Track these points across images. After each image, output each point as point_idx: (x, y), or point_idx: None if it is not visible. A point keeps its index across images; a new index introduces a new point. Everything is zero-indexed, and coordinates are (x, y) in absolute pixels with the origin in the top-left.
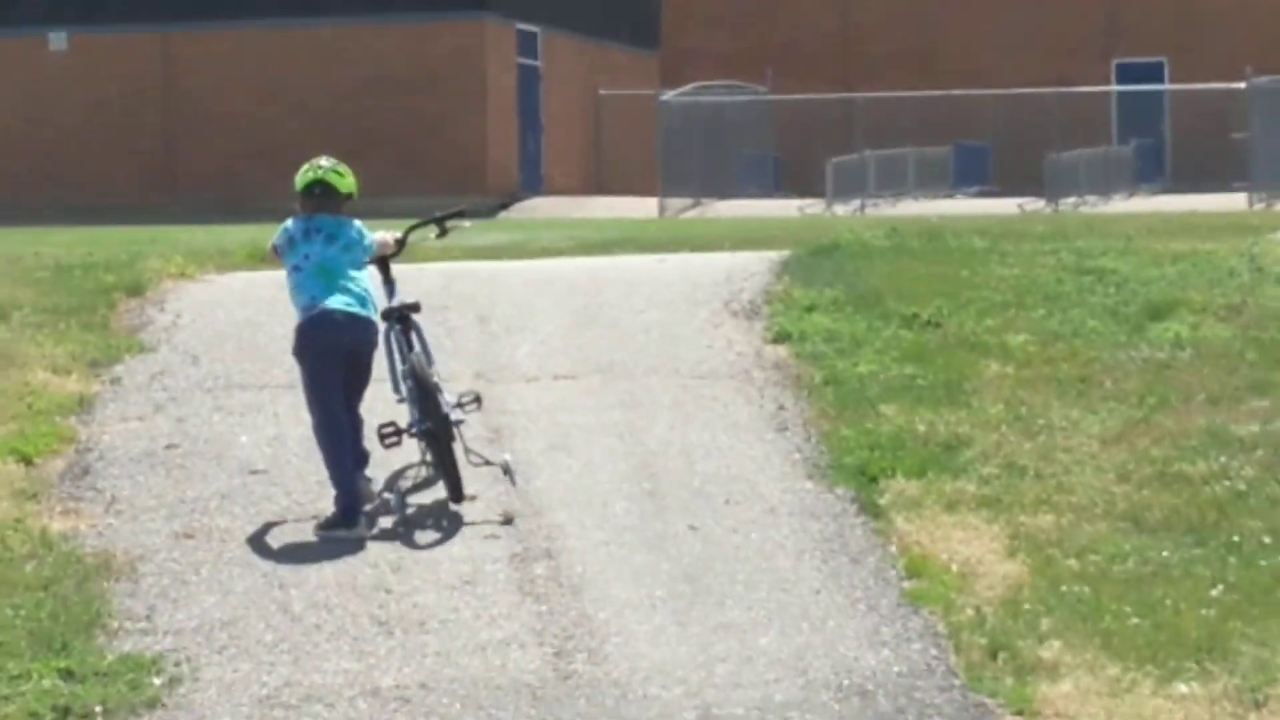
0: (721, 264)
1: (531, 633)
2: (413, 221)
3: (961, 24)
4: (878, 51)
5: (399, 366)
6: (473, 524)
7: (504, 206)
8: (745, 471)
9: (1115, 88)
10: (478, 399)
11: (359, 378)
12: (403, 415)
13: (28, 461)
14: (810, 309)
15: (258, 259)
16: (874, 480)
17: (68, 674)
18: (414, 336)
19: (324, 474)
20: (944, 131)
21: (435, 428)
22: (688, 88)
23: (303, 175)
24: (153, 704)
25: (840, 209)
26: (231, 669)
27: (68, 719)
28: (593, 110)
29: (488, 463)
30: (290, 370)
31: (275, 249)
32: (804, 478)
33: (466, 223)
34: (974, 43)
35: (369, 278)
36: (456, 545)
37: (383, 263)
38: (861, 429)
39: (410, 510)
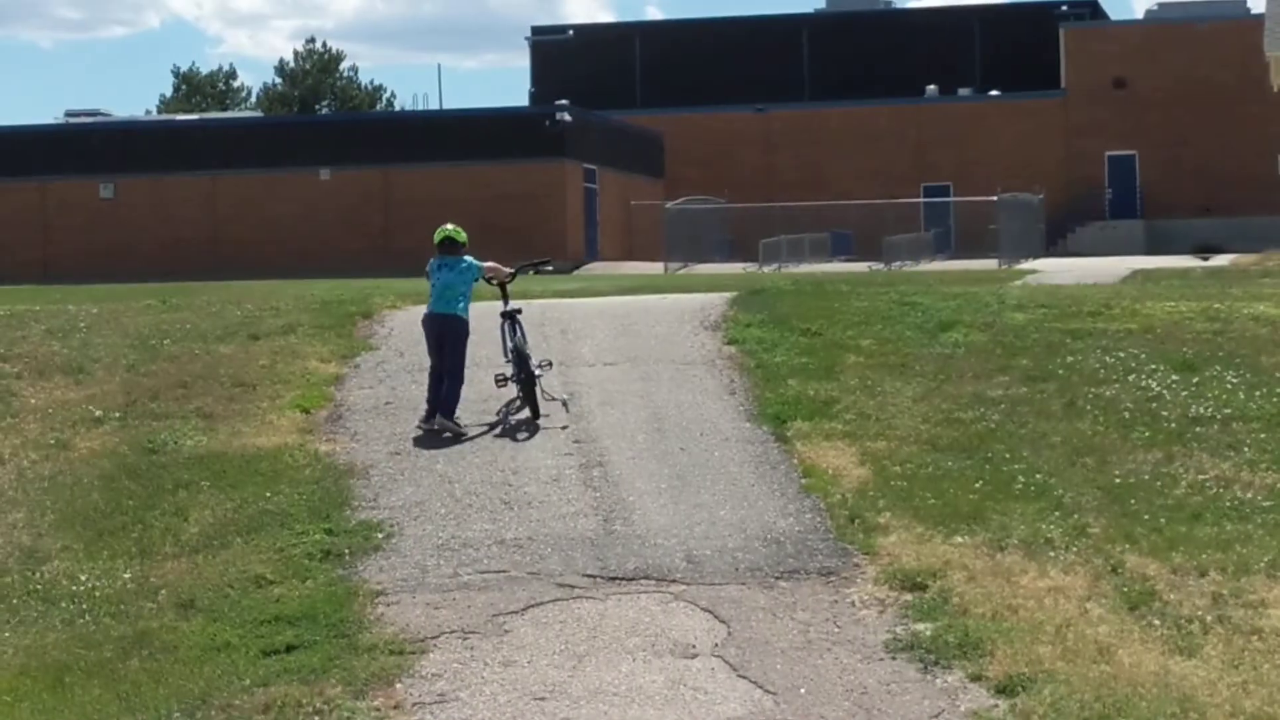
0: (698, 300)
1: (591, 508)
2: (521, 263)
3: (836, 163)
4: (788, 180)
5: (507, 344)
6: (545, 429)
7: (576, 267)
8: (711, 416)
9: (923, 199)
10: (550, 364)
11: (453, 351)
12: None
13: (306, 411)
14: (748, 325)
15: None
16: (784, 422)
17: (330, 532)
18: (517, 328)
19: (473, 419)
20: (825, 223)
21: (526, 378)
22: (680, 200)
23: (438, 233)
24: (377, 549)
25: (767, 269)
26: (421, 529)
27: (329, 557)
28: (627, 212)
29: (553, 398)
30: None
31: (427, 274)
32: (745, 420)
33: (549, 267)
34: (843, 174)
35: (470, 293)
36: (547, 458)
37: (502, 287)
38: (777, 393)
39: (511, 422)
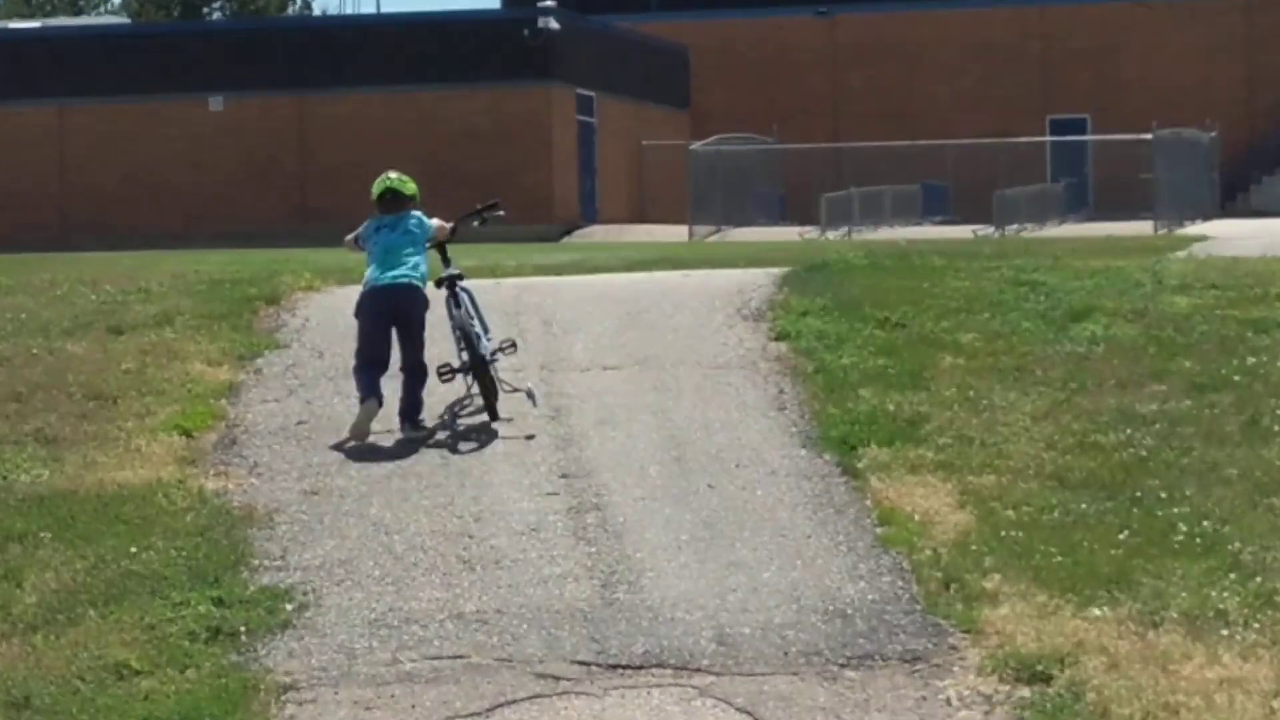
0: (735, 278)
1: (584, 569)
2: (462, 214)
3: (927, 88)
4: (861, 110)
5: (450, 321)
6: (505, 438)
7: (567, 233)
8: (752, 441)
9: (1049, 138)
10: (514, 344)
11: (408, 331)
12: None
13: (188, 434)
14: (804, 314)
15: None
16: (854, 448)
17: (219, 601)
18: (462, 298)
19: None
20: (913, 173)
21: (475, 365)
22: (711, 139)
23: (377, 184)
24: (285, 625)
25: (832, 234)
26: (347, 598)
27: (219, 637)
28: (637, 157)
29: (515, 390)
30: (395, 360)
31: (357, 240)
32: (799, 446)
33: (500, 212)
34: (937, 103)
35: (425, 257)
36: (522, 499)
37: (440, 247)
38: (844, 408)
39: (459, 428)
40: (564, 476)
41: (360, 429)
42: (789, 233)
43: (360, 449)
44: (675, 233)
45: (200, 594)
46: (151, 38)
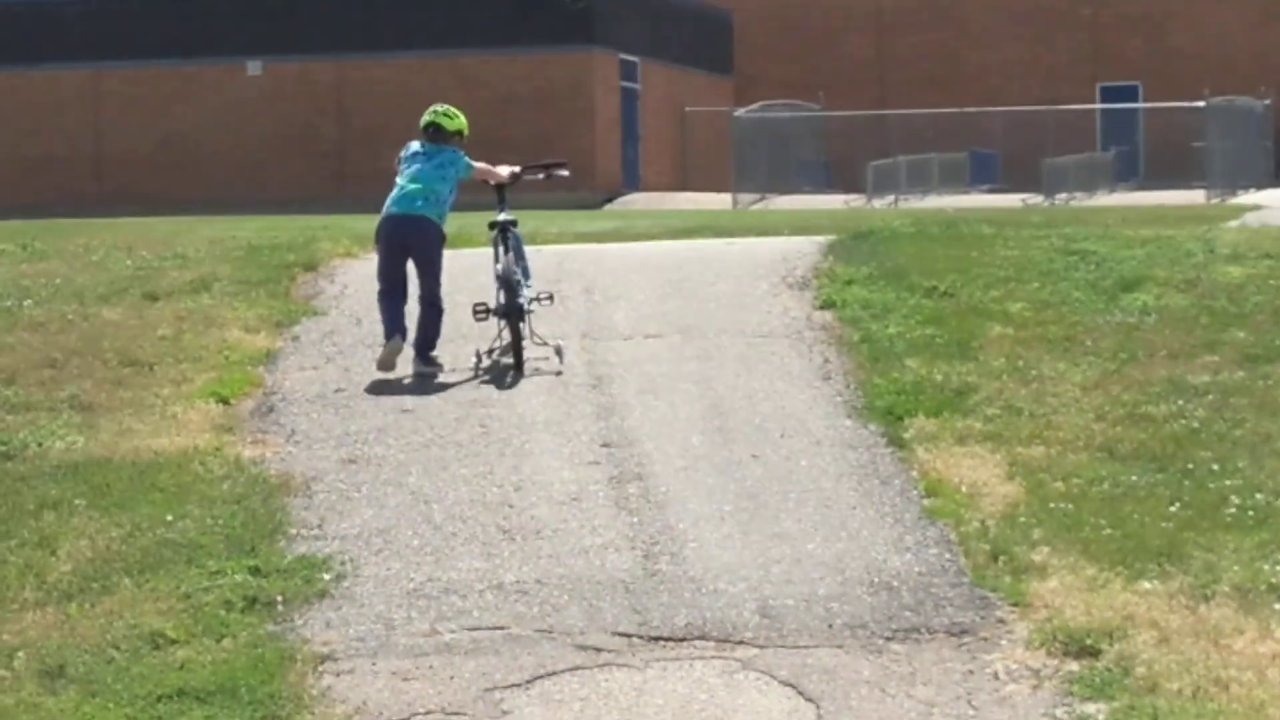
0: (779, 246)
1: (625, 539)
2: (530, 163)
3: (976, 54)
4: (908, 76)
5: (496, 265)
6: (532, 375)
7: (609, 200)
8: (796, 411)
9: (1099, 106)
10: (551, 296)
11: (420, 264)
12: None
13: (225, 402)
14: (850, 282)
15: None
16: (900, 419)
17: (255, 570)
18: (510, 243)
19: (460, 413)
20: (961, 141)
21: (509, 311)
22: (755, 106)
23: (426, 115)
24: (323, 595)
25: (878, 203)
26: (385, 568)
27: (255, 607)
28: (680, 124)
29: (545, 343)
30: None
31: (397, 165)
32: (844, 416)
33: (564, 172)
34: (986, 70)
35: (450, 197)
36: (563, 467)
37: (499, 189)
38: (890, 378)
39: (488, 365)
40: (605, 445)
41: (385, 363)
42: (834, 201)
43: (399, 415)
44: (718, 200)
45: (237, 563)
46: (189, 1)
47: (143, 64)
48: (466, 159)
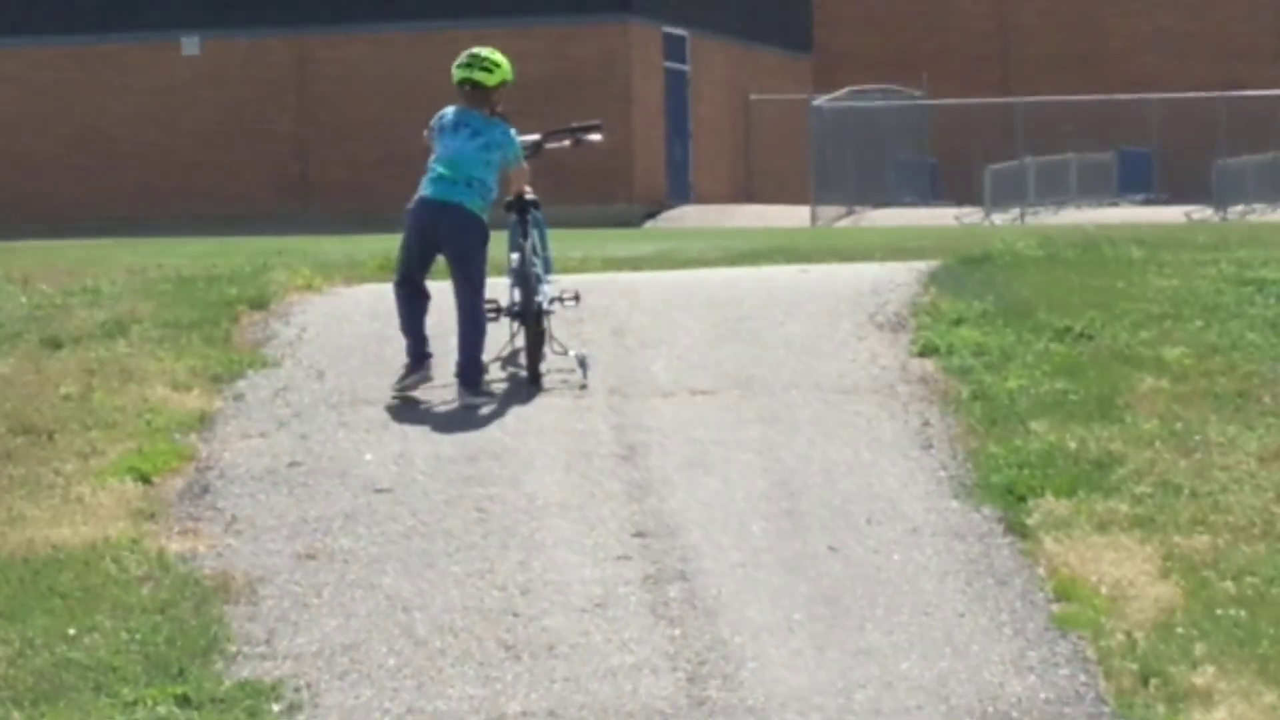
0: (867, 274)
1: (664, 657)
2: (557, 129)
3: (1125, 25)
4: (1038, 53)
5: (511, 253)
6: (547, 391)
7: (650, 215)
8: (888, 490)
9: None
10: (576, 296)
11: (454, 263)
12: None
13: (146, 480)
14: (958, 321)
15: (390, 270)
16: (1022, 499)
17: (184, 700)
18: (532, 231)
19: (451, 493)
20: (1107, 136)
21: (525, 312)
22: (841, 92)
23: (458, 67)
24: None
25: (999, 218)
26: (353, 695)
27: None
28: (743, 116)
29: (567, 353)
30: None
31: (428, 138)
32: (949, 497)
33: (597, 136)
34: (1138, 44)
35: (495, 180)
36: (584, 563)
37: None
38: (1010, 446)
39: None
40: (639, 535)
41: (403, 389)
42: (943, 215)
43: (371, 495)
44: (793, 215)
45: (160, 690)
46: None
47: (46, 41)
48: (519, 146)
